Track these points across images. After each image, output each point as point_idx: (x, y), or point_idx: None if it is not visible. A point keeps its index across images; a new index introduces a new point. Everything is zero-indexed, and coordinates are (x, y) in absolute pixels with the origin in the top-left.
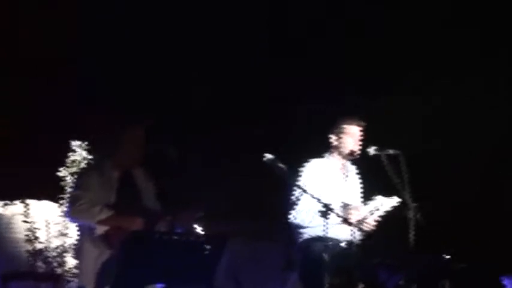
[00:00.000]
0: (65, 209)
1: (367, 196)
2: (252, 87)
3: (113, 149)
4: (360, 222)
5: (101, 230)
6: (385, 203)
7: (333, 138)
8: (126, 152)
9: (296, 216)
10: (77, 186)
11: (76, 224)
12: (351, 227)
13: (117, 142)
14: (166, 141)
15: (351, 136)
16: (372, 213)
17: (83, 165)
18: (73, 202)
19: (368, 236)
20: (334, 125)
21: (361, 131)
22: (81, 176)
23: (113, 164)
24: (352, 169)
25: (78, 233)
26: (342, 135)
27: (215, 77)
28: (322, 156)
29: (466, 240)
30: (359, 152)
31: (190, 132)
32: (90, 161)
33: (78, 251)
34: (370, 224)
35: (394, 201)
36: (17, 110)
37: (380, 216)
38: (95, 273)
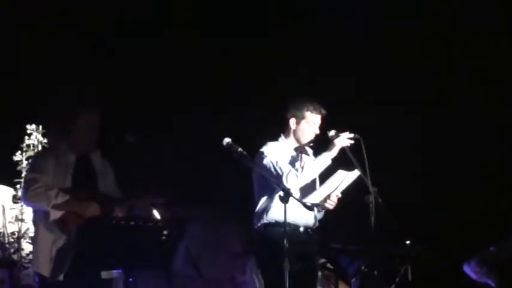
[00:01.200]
0: (20, 193)
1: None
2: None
3: (66, 132)
4: (323, 200)
5: (55, 214)
6: (345, 177)
7: (291, 123)
8: (80, 135)
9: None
10: (32, 169)
11: (32, 208)
12: (311, 209)
13: (70, 124)
14: (126, 129)
15: (312, 125)
16: (335, 190)
17: (39, 148)
18: (28, 185)
19: (331, 212)
20: (295, 107)
21: (321, 120)
22: (36, 158)
23: (68, 148)
24: (310, 152)
25: (34, 217)
26: (302, 122)
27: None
28: (277, 140)
29: (428, 224)
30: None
31: (150, 117)
32: (45, 145)
33: (33, 236)
34: (333, 200)
35: (355, 174)
36: None
37: (342, 192)
38: (50, 259)
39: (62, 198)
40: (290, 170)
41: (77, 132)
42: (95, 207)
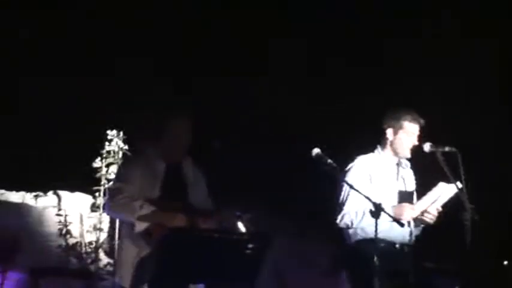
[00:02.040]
0: (104, 202)
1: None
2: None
3: (157, 139)
4: (421, 213)
5: (140, 226)
6: (446, 190)
7: (388, 133)
8: (172, 143)
9: (343, 217)
10: (118, 178)
11: (116, 218)
12: (407, 225)
13: (162, 132)
14: (212, 136)
15: (411, 135)
16: (433, 203)
17: (119, 155)
18: (113, 195)
19: (431, 227)
20: (392, 117)
21: (420, 130)
22: (123, 167)
23: (158, 155)
24: (407, 165)
25: (118, 228)
26: (400, 132)
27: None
28: (373, 151)
29: None
30: (412, 152)
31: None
32: (126, 152)
33: (119, 247)
34: (433, 214)
35: (456, 187)
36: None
37: (442, 206)
38: (132, 271)
39: (147, 210)
40: (347, 213)
41: (169, 139)
42: (181, 218)
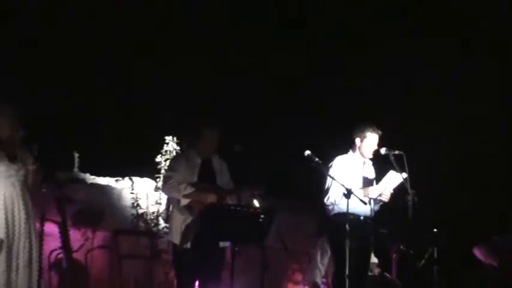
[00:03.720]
0: (160, 185)
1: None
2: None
3: (195, 142)
4: (379, 195)
5: (184, 201)
6: (396, 178)
7: (357, 141)
8: (204, 145)
9: (328, 198)
10: (169, 168)
11: (168, 196)
12: (369, 204)
13: (198, 138)
14: (234, 141)
15: (372, 143)
16: (387, 188)
17: (173, 153)
18: (165, 181)
19: (386, 204)
20: (359, 130)
21: (378, 139)
22: (172, 161)
23: (196, 153)
24: (369, 163)
25: (168, 203)
26: (365, 140)
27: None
28: (347, 153)
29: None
30: (373, 154)
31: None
32: (178, 151)
33: (169, 216)
34: (386, 195)
35: (402, 176)
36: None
37: (393, 189)
38: (180, 233)
39: (189, 190)
40: (331, 195)
41: (203, 143)
42: (213, 197)
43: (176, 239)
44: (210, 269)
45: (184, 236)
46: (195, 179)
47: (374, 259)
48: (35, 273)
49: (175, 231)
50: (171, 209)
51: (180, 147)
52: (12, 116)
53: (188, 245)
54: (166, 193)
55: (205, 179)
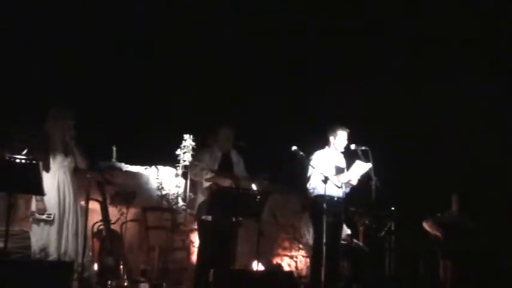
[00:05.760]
0: (181, 171)
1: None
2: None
3: (216, 139)
4: (348, 181)
5: (206, 184)
6: (362, 167)
7: (331, 139)
8: (224, 142)
9: (310, 184)
10: (196, 158)
11: (194, 179)
12: (342, 187)
13: (218, 135)
14: (240, 138)
15: (342, 139)
16: (355, 174)
17: (189, 148)
18: (192, 168)
19: (354, 188)
20: (332, 129)
21: (347, 136)
22: (199, 153)
23: (217, 148)
24: (341, 155)
25: (189, 186)
26: (337, 138)
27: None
28: (324, 148)
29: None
30: (344, 148)
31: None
32: (194, 146)
33: (192, 196)
34: (355, 181)
35: (368, 166)
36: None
37: (361, 176)
38: (203, 208)
39: (210, 176)
40: (313, 182)
41: (223, 139)
42: (229, 181)
43: (200, 213)
44: (225, 235)
45: (202, 209)
46: (215, 167)
47: (348, 231)
48: (81, 240)
49: (199, 207)
50: (189, 191)
51: (197, 144)
52: (71, 118)
53: (209, 218)
54: (192, 177)
55: (224, 168)
